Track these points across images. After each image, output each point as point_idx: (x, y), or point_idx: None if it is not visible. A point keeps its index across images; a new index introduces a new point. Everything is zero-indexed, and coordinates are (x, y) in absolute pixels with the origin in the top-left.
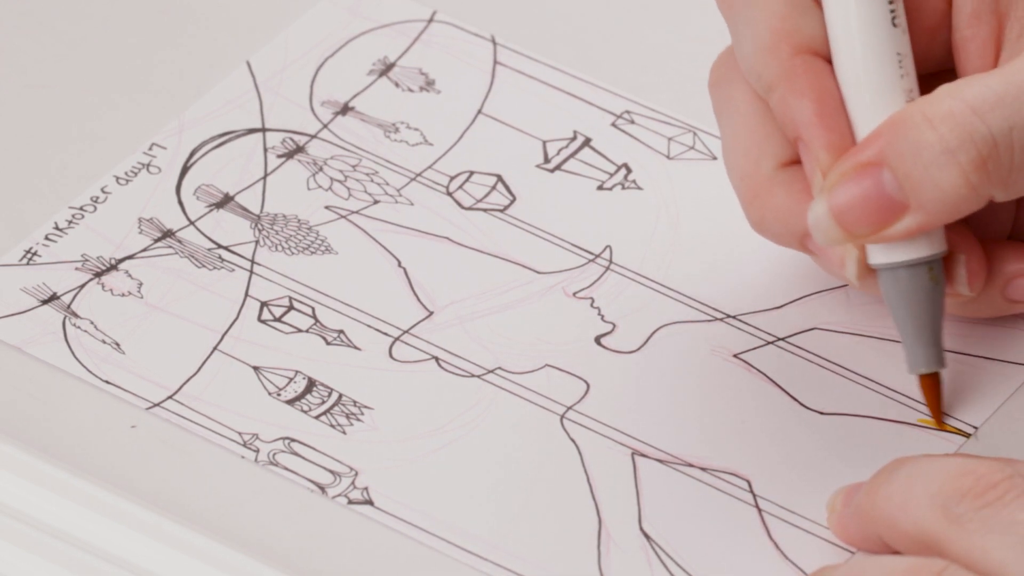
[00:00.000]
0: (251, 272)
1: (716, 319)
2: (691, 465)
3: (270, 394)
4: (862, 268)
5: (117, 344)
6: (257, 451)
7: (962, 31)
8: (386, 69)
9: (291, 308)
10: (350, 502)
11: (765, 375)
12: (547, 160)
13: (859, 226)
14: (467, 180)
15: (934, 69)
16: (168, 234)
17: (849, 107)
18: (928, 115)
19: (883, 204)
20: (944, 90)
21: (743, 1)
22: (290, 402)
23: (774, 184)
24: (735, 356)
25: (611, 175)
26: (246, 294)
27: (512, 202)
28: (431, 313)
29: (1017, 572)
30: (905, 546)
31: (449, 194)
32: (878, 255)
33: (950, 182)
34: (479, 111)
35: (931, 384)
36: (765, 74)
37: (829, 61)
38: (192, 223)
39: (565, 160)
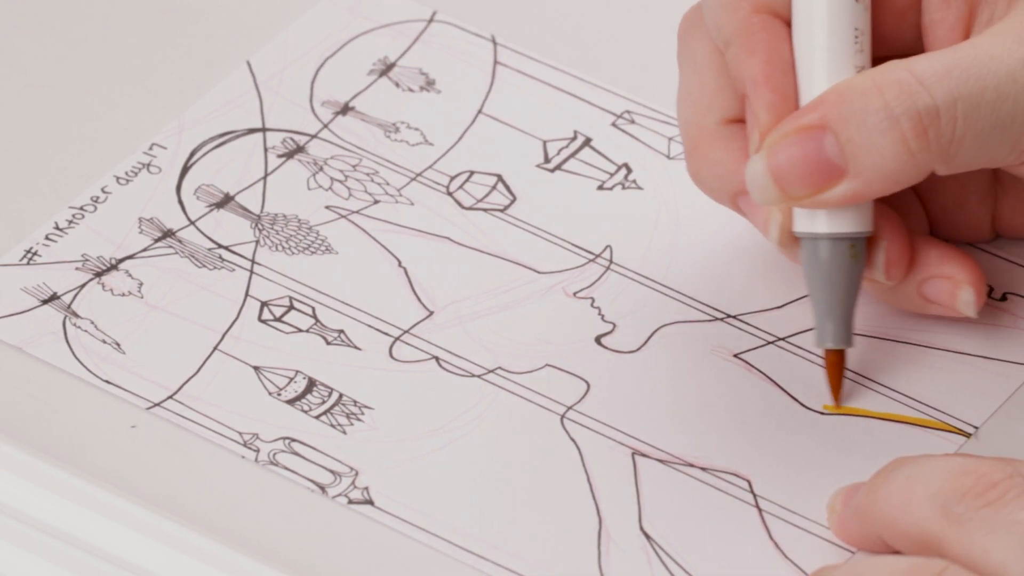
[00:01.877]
0: (251, 272)
1: (716, 319)
2: (691, 465)
3: (270, 394)
4: (785, 234)
5: (117, 344)
6: (257, 451)
7: (932, 14)
8: (386, 69)
9: (291, 308)
10: (350, 502)
11: (765, 375)
12: (547, 160)
13: (796, 187)
14: (467, 180)
15: (901, 52)
16: (168, 234)
17: (799, 72)
18: (876, 82)
19: (822, 167)
20: (895, 62)
21: None
22: (290, 402)
23: (716, 138)
24: (735, 356)
25: (611, 175)
26: (246, 294)
27: (512, 202)
28: (431, 313)
29: (1018, 572)
30: (905, 546)
31: (449, 194)
32: (802, 223)
33: (890, 148)
34: (479, 111)
35: (835, 360)
36: (724, 28)
37: (789, 24)
38: (192, 223)
39: (565, 160)
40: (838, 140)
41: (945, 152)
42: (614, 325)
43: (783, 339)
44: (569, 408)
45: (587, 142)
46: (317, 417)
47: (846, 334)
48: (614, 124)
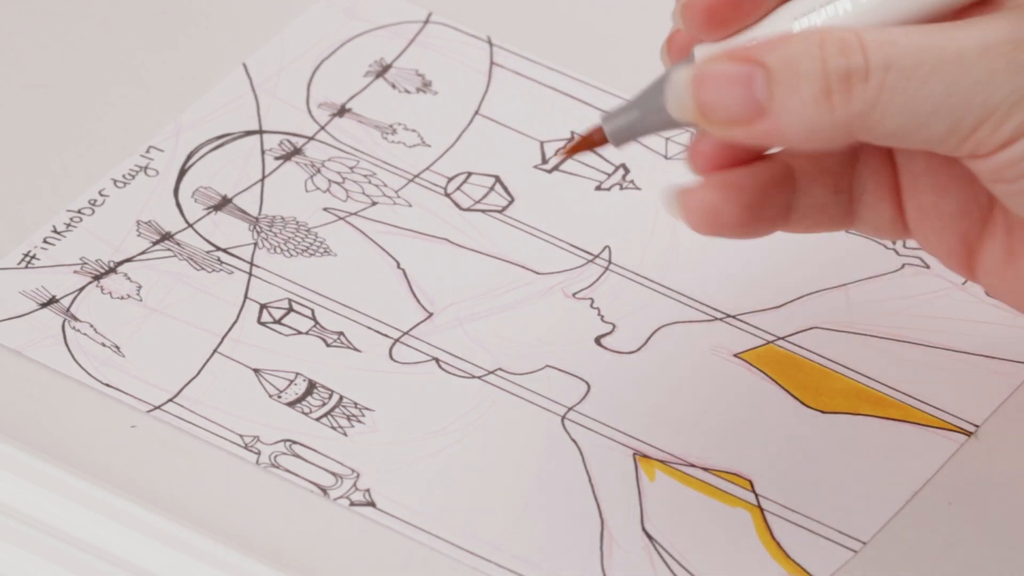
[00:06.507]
0: (250, 274)
1: (716, 319)
2: (692, 465)
3: (271, 396)
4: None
5: (117, 347)
6: (259, 453)
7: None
8: (383, 70)
9: (291, 310)
10: (352, 504)
11: (765, 375)
12: (545, 161)
13: (715, 111)
14: (465, 181)
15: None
16: (167, 237)
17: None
18: (822, 35)
19: (746, 101)
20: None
21: None
22: (291, 404)
23: None
24: (735, 356)
25: (609, 175)
26: (245, 296)
27: (510, 203)
28: (431, 314)
29: None
30: None
31: (447, 195)
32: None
33: (812, 96)
34: (476, 112)
35: (594, 139)
36: None
37: None
38: (190, 225)
39: (563, 160)
40: (768, 78)
41: (867, 116)
42: (614, 325)
43: (783, 339)
44: (570, 409)
45: None
46: (318, 419)
47: (624, 135)
48: None
